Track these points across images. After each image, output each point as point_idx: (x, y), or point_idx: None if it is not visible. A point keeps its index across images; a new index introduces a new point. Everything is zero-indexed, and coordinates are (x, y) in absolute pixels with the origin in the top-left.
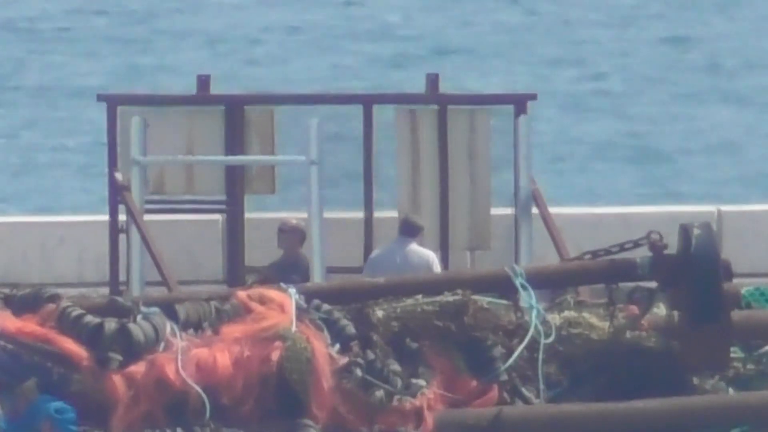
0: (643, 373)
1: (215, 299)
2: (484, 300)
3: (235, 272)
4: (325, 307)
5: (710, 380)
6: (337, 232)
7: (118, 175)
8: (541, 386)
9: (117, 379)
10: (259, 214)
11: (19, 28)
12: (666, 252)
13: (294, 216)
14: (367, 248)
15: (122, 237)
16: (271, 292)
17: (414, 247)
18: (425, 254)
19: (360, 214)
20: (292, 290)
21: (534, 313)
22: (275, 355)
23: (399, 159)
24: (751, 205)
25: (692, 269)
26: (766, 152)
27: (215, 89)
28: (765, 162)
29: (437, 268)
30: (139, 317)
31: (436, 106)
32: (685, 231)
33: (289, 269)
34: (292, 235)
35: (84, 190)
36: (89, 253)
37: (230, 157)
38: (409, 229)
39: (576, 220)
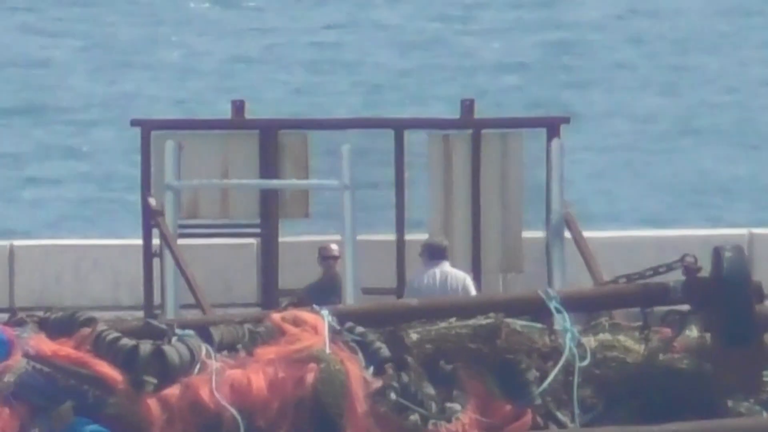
0: (676, 396)
1: (249, 322)
2: (517, 323)
3: (270, 295)
4: (359, 329)
5: (744, 403)
6: (370, 254)
7: (152, 200)
8: (576, 410)
9: (152, 402)
10: (293, 237)
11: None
12: (699, 275)
13: (328, 239)
14: (400, 270)
15: (156, 261)
16: (305, 314)
17: (449, 269)
18: (462, 276)
19: (392, 237)
20: (326, 312)
21: (568, 336)
22: (310, 377)
23: (432, 184)
24: None
25: (724, 292)
26: None
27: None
28: None
29: (472, 290)
30: (174, 339)
31: (470, 131)
32: (717, 254)
33: (328, 291)
34: (334, 261)
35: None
36: (123, 277)
37: (264, 181)
38: (439, 252)
39: (610, 243)
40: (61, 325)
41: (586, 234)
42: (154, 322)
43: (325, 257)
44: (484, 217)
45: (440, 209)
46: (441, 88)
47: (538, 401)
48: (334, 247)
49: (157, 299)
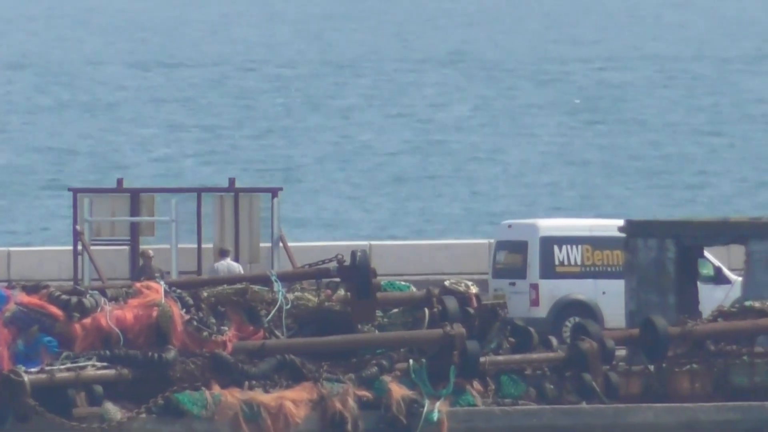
0: (333, 322)
1: (126, 287)
2: (256, 287)
3: (135, 276)
4: (179, 290)
5: (366, 327)
6: (184, 253)
7: (78, 227)
8: (284, 330)
9: (77, 326)
10: (148, 246)
11: None
12: (345, 264)
13: (157, 247)
14: (198, 261)
15: (79, 258)
16: (152, 283)
17: (230, 261)
18: (236, 265)
19: (194, 245)
20: (163, 282)
21: (280, 294)
22: (154, 313)
23: (215, 223)
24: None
25: (356, 272)
26: None
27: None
28: None
29: (241, 272)
30: (87, 295)
31: (233, 194)
32: (353, 253)
33: (147, 273)
34: (150, 259)
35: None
36: (64, 265)
37: (133, 218)
38: (225, 252)
39: (307, 248)
40: (32, 289)
41: (296, 244)
42: (78, 287)
43: (146, 256)
44: (242, 238)
45: (219, 237)
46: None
47: (266, 325)
48: (150, 251)
49: (80, 276)
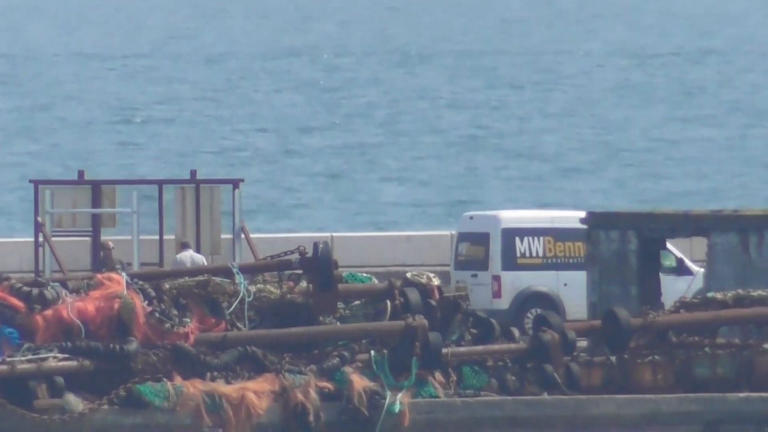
0: (295, 315)
1: (87, 279)
2: (218, 279)
3: (96, 267)
4: (141, 282)
5: (327, 319)
6: (146, 246)
7: (39, 219)
8: (246, 321)
9: (38, 318)
10: (109, 237)
11: None
12: (307, 256)
13: (119, 238)
14: (160, 253)
15: (40, 249)
16: (114, 275)
17: (193, 253)
18: (200, 257)
19: (156, 237)
20: (124, 274)
21: (242, 285)
22: (116, 305)
23: (176, 215)
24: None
25: (318, 264)
26: None
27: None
28: None
29: (204, 263)
30: (49, 287)
31: (193, 185)
32: (315, 246)
33: (108, 264)
34: (110, 251)
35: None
36: (25, 256)
37: (95, 210)
38: (186, 245)
39: (267, 239)
40: None
41: (259, 235)
42: (40, 279)
43: (106, 248)
44: (203, 229)
45: (181, 229)
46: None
47: (228, 317)
48: (110, 242)
49: (40, 267)
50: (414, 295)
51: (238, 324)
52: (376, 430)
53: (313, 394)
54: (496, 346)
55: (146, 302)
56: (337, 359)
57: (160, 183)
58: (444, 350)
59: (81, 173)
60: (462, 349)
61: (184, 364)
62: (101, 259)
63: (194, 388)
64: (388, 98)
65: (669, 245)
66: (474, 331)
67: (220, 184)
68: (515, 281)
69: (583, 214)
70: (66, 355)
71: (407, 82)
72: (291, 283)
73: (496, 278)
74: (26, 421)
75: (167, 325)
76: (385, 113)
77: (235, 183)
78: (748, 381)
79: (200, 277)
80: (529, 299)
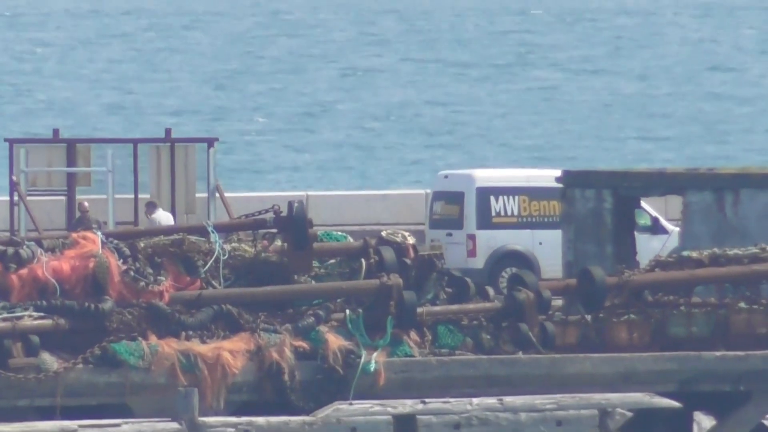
0: (270, 274)
1: (62, 238)
2: (193, 237)
3: (72, 227)
4: (116, 241)
5: (302, 278)
6: (120, 204)
7: (14, 177)
8: (221, 280)
9: (14, 277)
10: (84, 196)
11: None
12: (282, 215)
13: (95, 197)
14: (135, 212)
15: (15, 208)
16: (89, 234)
17: (163, 212)
18: (169, 216)
19: (131, 196)
20: (99, 233)
21: (217, 244)
22: (91, 264)
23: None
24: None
25: (293, 223)
26: None
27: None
28: None
29: (172, 222)
30: (24, 246)
31: (168, 144)
32: (290, 204)
33: (85, 224)
34: (86, 211)
35: None
36: (0, 216)
37: (70, 169)
38: (154, 206)
39: (245, 198)
40: None
41: (233, 194)
42: (15, 238)
43: (82, 209)
44: (178, 188)
45: (156, 188)
46: None
47: (203, 275)
48: (86, 203)
49: (16, 226)
50: (389, 254)
51: (213, 282)
52: (351, 389)
53: (288, 353)
54: (471, 306)
55: (121, 261)
56: (312, 318)
57: (135, 142)
58: (419, 309)
59: (56, 132)
60: (437, 308)
61: (159, 322)
62: (77, 219)
63: (169, 347)
64: None
65: (644, 204)
66: (449, 290)
67: (195, 143)
68: (490, 240)
69: (558, 172)
70: (41, 314)
71: None
72: (266, 242)
73: (471, 237)
74: (1, 380)
75: (142, 284)
76: None
77: (210, 142)
78: (723, 340)
79: (175, 236)
80: (504, 258)
